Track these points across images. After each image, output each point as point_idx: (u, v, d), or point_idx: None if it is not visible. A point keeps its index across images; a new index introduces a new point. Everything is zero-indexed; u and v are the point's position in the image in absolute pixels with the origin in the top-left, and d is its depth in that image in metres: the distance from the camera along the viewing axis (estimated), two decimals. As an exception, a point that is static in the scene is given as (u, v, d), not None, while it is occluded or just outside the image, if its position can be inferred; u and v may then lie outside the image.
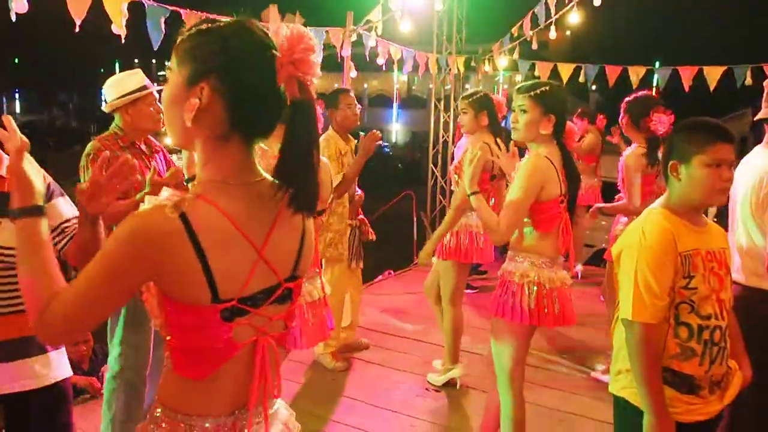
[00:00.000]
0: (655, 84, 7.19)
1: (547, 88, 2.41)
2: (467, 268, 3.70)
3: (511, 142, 2.72)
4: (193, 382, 1.13)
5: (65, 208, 1.77)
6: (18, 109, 41.17)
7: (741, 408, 2.07)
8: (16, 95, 42.83)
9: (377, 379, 3.80)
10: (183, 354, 1.12)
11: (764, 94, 2.31)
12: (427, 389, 3.68)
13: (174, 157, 2.91)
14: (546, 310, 2.40)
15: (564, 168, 2.43)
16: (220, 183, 1.09)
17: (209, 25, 1.09)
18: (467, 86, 9.04)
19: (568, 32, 8.01)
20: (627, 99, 3.72)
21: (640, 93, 3.82)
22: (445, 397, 3.61)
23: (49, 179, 1.76)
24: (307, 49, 1.08)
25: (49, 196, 1.75)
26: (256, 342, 1.14)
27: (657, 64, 7.36)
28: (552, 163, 2.38)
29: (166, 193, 1.07)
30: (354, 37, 5.46)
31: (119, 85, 2.68)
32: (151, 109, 2.69)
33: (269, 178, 1.17)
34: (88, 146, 2.61)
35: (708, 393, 1.75)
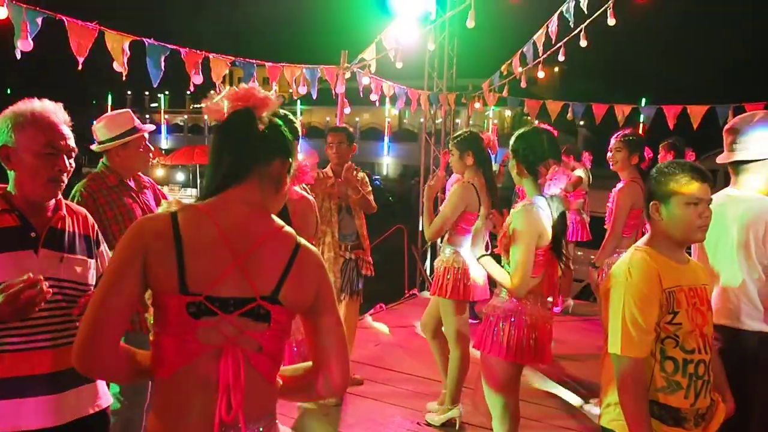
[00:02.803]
0: (641, 121, 7.38)
1: (531, 133, 2.56)
2: (465, 305, 3.66)
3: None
4: (161, 383, 1.21)
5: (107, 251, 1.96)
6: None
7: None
8: (7, 126, 42.73)
9: (370, 414, 3.79)
10: (156, 348, 1.22)
11: (724, 140, 2.34)
12: (419, 423, 3.68)
13: (165, 189, 2.97)
14: (524, 346, 2.45)
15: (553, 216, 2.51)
16: (222, 200, 1.26)
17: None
18: (457, 121, 9.21)
19: (556, 69, 8.24)
20: (622, 138, 3.80)
21: (628, 131, 3.94)
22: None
23: (95, 226, 1.91)
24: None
25: (97, 243, 1.90)
26: (222, 348, 1.18)
27: (643, 102, 7.57)
28: (543, 211, 2.46)
29: (166, 203, 1.26)
30: (348, 75, 5.59)
31: (109, 127, 2.70)
32: (141, 150, 2.73)
33: (268, 211, 1.32)
34: (75, 188, 2.62)
35: (693, 425, 1.80)
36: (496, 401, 2.56)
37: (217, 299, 1.17)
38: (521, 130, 2.62)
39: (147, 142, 2.77)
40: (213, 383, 1.17)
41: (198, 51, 4.03)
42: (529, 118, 9.93)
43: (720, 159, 2.35)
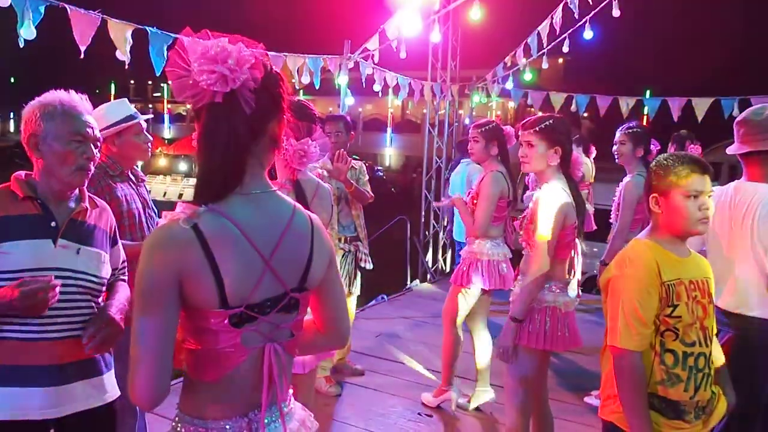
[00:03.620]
0: (645, 114, 7.35)
1: (552, 121, 2.51)
2: (487, 296, 3.67)
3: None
4: (207, 385, 1.20)
5: (121, 248, 1.99)
6: (12, 129, 41.24)
7: None
8: (11, 115, 42.96)
9: (370, 404, 3.81)
10: (197, 357, 1.20)
11: (735, 131, 2.36)
12: (420, 414, 3.70)
13: (168, 179, 2.95)
14: (559, 334, 2.47)
15: (574, 197, 2.52)
16: (231, 194, 1.17)
17: None
18: (461, 112, 9.19)
19: (560, 60, 8.19)
20: (632, 130, 3.78)
21: (633, 123, 3.92)
22: (438, 421, 3.62)
23: (113, 222, 1.93)
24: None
25: (114, 240, 1.92)
26: (263, 348, 1.21)
27: (648, 94, 7.52)
28: (566, 194, 2.47)
29: (179, 207, 1.16)
30: (351, 65, 5.58)
31: (105, 116, 2.64)
32: (139, 138, 2.66)
33: (277, 190, 1.26)
34: None
35: (693, 418, 1.81)
36: (520, 391, 2.55)
37: (255, 305, 1.18)
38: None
39: (146, 132, 2.71)
40: (257, 378, 1.21)
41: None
42: (533, 109, 9.88)
43: (731, 150, 2.36)
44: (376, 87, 5.99)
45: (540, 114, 2.60)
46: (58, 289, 1.62)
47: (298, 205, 1.29)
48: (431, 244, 7.63)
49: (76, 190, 1.82)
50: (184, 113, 38.07)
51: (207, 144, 1.17)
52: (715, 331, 1.89)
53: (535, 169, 2.55)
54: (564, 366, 4.49)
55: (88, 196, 1.87)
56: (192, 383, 1.22)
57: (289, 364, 1.29)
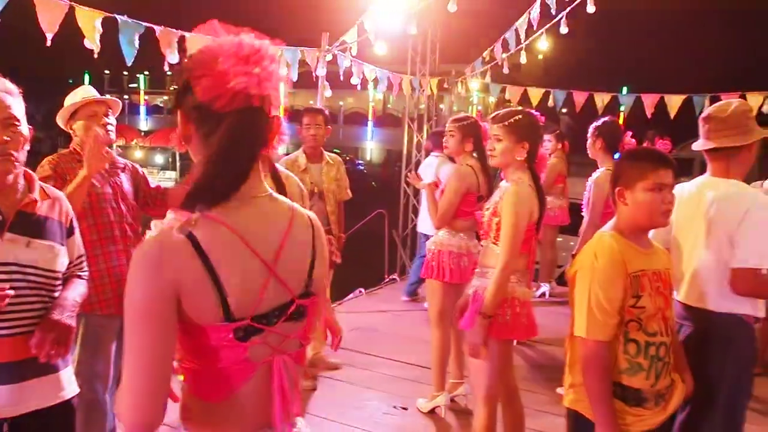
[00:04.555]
0: (621, 110, 7.44)
1: (521, 116, 2.53)
2: (453, 289, 3.59)
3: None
4: (212, 406, 1.12)
5: (79, 241, 1.91)
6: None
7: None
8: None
9: (346, 398, 3.81)
10: (199, 377, 1.11)
11: (700, 127, 2.39)
12: (394, 407, 3.71)
13: (144, 171, 2.87)
14: (520, 323, 2.51)
15: (538, 192, 2.56)
16: (227, 200, 1.09)
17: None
18: (441, 106, 9.22)
19: (540, 56, 8.25)
20: (597, 125, 3.87)
21: (608, 118, 4.00)
22: (413, 414, 3.64)
23: (72, 214, 1.86)
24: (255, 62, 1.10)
25: (71, 231, 1.84)
26: (272, 361, 1.13)
27: (624, 90, 7.62)
28: (532, 188, 2.52)
29: (170, 215, 1.08)
30: (329, 57, 5.55)
31: (67, 101, 2.57)
32: (93, 121, 2.51)
33: (275, 194, 1.19)
34: (44, 161, 2.51)
35: (654, 405, 1.86)
36: (487, 383, 2.57)
37: (261, 316, 1.10)
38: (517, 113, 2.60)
39: (108, 118, 2.56)
40: (266, 394, 1.13)
41: (174, 29, 3.95)
42: (511, 104, 9.96)
43: (696, 146, 2.40)
44: (354, 80, 5.97)
45: (510, 108, 2.63)
46: (7, 289, 1.57)
47: (297, 206, 1.23)
48: (409, 238, 7.65)
49: (22, 181, 1.73)
50: (162, 105, 37.52)
51: (230, 148, 1.08)
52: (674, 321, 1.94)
53: (502, 162, 2.58)
54: (538, 357, 4.54)
55: (41, 186, 1.79)
56: (194, 402, 1.13)
57: (298, 376, 1.21)
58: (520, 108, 2.66)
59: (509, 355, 2.68)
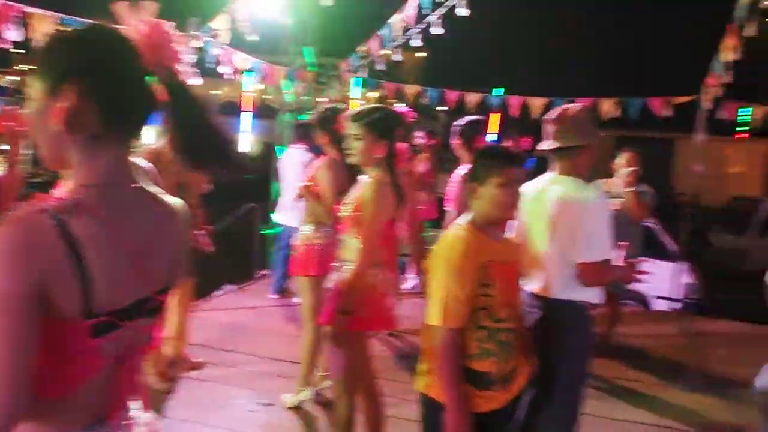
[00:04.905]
0: (491, 110, 7.84)
1: (379, 114, 2.55)
2: (323, 283, 3.57)
3: None
4: (48, 402, 1.03)
5: None
6: None
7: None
8: None
9: (209, 397, 3.67)
10: (40, 371, 1.00)
11: (544, 129, 2.55)
12: (260, 403, 3.62)
13: None
14: (379, 315, 2.54)
15: (397, 188, 2.59)
16: (97, 187, 1.03)
17: (62, 31, 1.08)
18: (317, 100, 9.15)
19: (425, 54, 8.47)
20: (458, 123, 4.04)
21: (473, 118, 4.19)
22: (278, 410, 3.57)
23: None
24: (167, 36, 1.08)
25: None
26: (122, 357, 1.07)
27: (493, 91, 8.02)
28: (391, 184, 2.54)
29: (37, 199, 1.00)
30: (200, 44, 5.28)
31: None
32: None
33: (146, 186, 1.13)
34: None
35: (500, 387, 1.97)
36: (344, 375, 2.58)
37: (120, 311, 1.03)
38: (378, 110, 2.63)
39: None
40: (108, 388, 1.07)
41: (13, 3, 3.56)
42: (388, 100, 10.13)
43: (541, 146, 2.55)
44: (224, 69, 5.73)
45: (369, 105, 2.65)
46: None
47: (163, 195, 1.16)
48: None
49: None
50: (7, 86, 33.79)
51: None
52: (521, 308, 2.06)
53: (361, 160, 2.59)
54: (404, 347, 4.64)
55: None
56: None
57: (142, 369, 1.19)
58: (379, 105, 2.68)
59: (365, 347, 2.67)
